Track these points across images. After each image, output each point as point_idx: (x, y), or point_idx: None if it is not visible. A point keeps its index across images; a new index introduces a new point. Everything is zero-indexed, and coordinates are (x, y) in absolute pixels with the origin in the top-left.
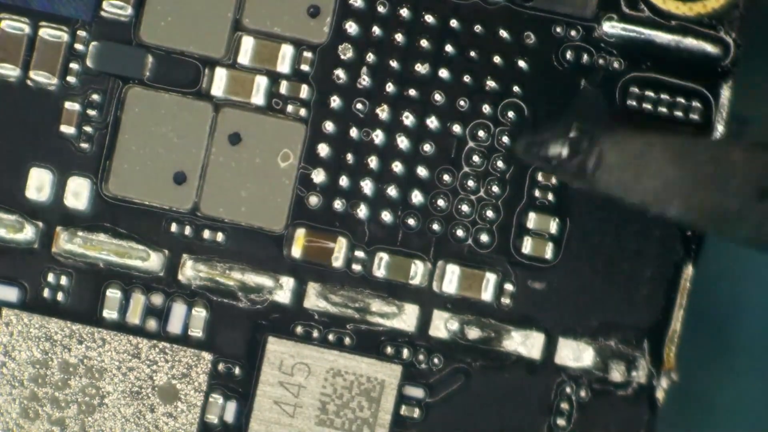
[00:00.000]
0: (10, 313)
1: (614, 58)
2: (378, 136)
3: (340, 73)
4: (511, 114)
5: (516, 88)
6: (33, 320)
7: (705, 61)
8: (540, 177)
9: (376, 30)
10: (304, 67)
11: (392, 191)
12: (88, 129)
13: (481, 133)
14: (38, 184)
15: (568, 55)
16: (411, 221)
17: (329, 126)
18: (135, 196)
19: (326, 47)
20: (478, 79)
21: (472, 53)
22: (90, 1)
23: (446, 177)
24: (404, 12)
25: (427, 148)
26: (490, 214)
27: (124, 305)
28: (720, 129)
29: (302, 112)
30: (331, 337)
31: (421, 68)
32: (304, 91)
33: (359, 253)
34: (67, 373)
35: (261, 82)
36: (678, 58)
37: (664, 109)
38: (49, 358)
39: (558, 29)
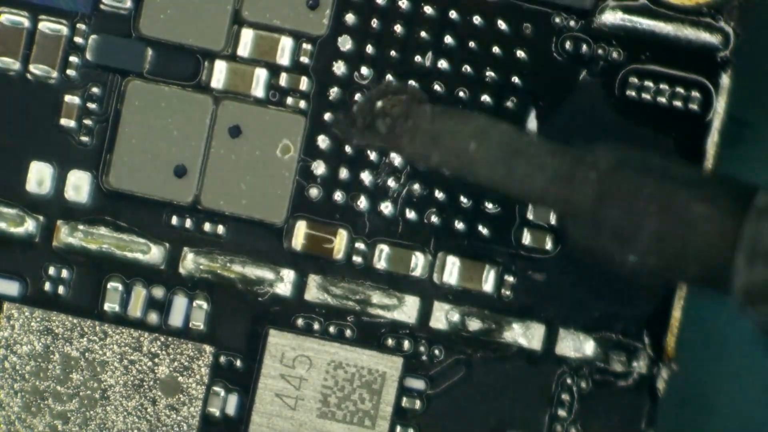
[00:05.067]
0: (11, 306)
1: (613, 49)
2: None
3: (339, 65)
4: (510, 104)
5: (515, 79)
6: (34, 314)
7: (704, 51)
8: None
9: (375, 22)
10: (304, 59)
11: (392, 183)
12: (88, 122)
13: None
14: (39, 177)
15: (567, 45)
16: (411, 213)
17: (329, 118)
18: (135, 189)
19: (326, 39)
20: (478, 70)
21: (472, 44)
22: None
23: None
24: (403, 3)
25: None
26: (490, 205)
27: (125, 298)
28: (718, 121)
29: (302, 104)
30: (332, 329)
31: (420, 59)
32: (304, 83)
33: (360, 245)
34: (69, 367)
35: (261, 74)
36: (677, 48)
37: (663, 100)
38: (51, 352)
39: (557, 20)
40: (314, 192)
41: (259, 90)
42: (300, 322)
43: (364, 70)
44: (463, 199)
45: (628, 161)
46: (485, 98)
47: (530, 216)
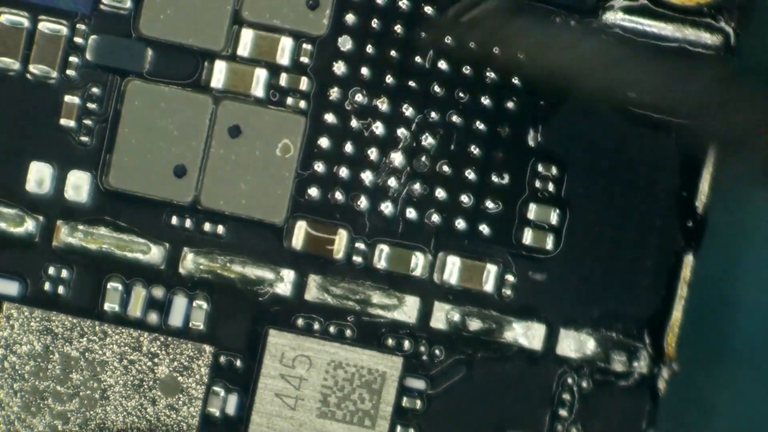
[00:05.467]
0: (11, 306)
1: None
2: (378, 128)
3: (339, 65)
4: (510, 105)
5: (515, 80)
6: (34, 314)
7: (705, 50)
8: (540, 167)
9: (376, 22)
10: (304, 60)
11: (392, 183)
12: (88, 122)
13: (480, 124)
14: (38, 177)
15: None
16: (411, 213)
17: (329, 118)
18: (135, 189)
19: (325, 39)
20: (478, 70)
21: (472, 44)
22: None
23: (446, 168)
24: (403, 3)
25: (426, 139)
26: (490, 205)
27: (125, 298)
28: None
29: (302, 104)
30: (332, 329)
31: (420, 60)
32: (304, 83)
33: (360, 245)
34: (69, 367)
35: (260, 74)
36: (678, 48)
37: None
38: (51, 352)
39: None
40: (314, 192)
41: (259, 90)
42: (300, 322)
43: (364, 70)
44: (464, 199)
45: None
46: (485, 98)
47: (530, 216)
